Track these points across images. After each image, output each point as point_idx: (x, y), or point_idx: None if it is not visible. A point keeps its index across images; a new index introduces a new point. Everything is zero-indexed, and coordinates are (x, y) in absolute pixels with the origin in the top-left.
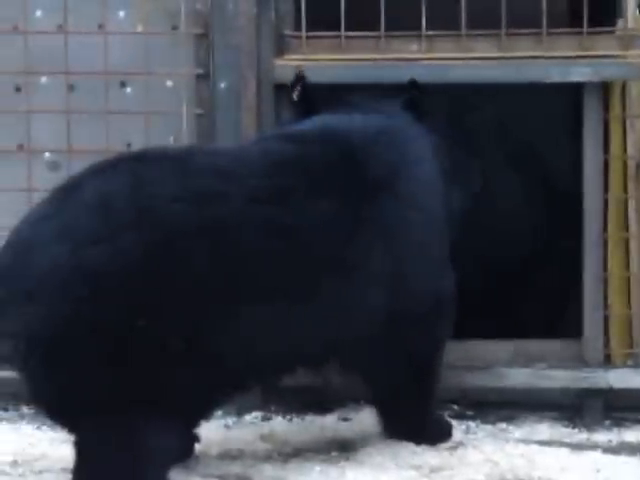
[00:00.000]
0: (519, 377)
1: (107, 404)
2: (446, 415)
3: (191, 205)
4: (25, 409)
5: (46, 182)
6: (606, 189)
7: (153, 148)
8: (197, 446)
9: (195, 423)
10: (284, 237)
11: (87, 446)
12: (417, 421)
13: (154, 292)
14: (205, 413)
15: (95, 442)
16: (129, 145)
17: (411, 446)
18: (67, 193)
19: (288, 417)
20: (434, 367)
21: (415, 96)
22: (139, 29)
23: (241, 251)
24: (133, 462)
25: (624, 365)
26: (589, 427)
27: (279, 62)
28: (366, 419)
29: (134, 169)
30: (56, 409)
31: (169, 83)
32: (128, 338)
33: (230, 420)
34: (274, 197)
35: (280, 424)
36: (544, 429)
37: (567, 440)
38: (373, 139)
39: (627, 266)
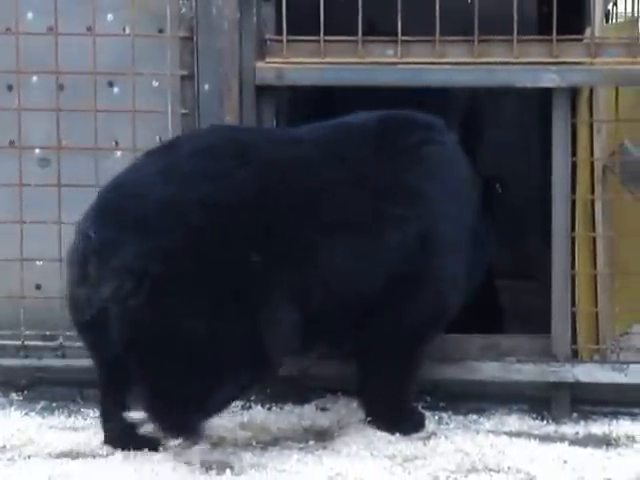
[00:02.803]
0: (490, 370)
1: (214, 338)
2: (419, 406)
3: (282, 148)
4: (14, 396)
5: (36, 178)
6: (574, 190)
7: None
8: None
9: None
10: (346, 170)
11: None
12: (392, 410)
13: (265, 226)
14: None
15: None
16: (116, 142)
17: (386, 436)
18: (166, 148)
19: (267, 406)
20: (411, 356)
21: None
22: (127, 31)
23: (317, 184)
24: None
25: (591, 360)
26: (557, 419)
27: (260, 65)
28: (343, 409)
29: (225, 129)
30: (154, 344)
31: (155, 83)
32: (242, 272)
33: None
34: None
35: (259, 413)
36: (513, 421)
37: (536, 432)
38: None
39: (594, 265)
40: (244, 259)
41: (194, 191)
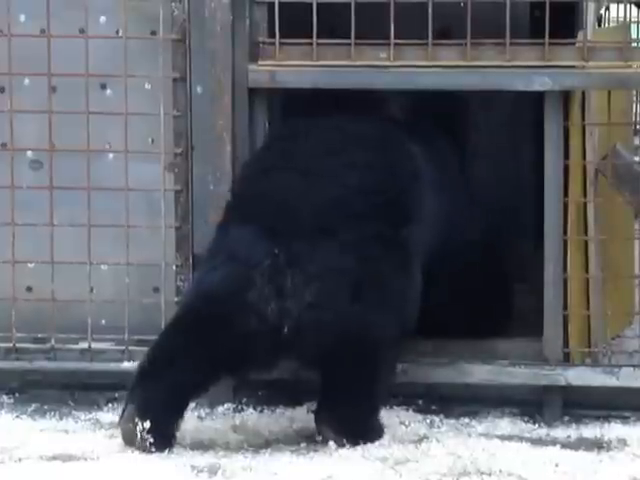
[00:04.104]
0: (482, 374)
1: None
2: (411, 409)
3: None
4: (5, 398)
5: (28, 180)
6: (566, 193)
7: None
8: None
9: None
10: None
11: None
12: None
13: (398, 193)
14: None
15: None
16: (109, 144)
17: (377, 439)
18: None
19: (259, 409)
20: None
21: None
22: (119, 34)
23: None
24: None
25: (583, 363)
26: (548, 423)
27: (253, 67)
28: None
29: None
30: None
31: (147, 86)
32: (406, 247)
33: (203, 411)
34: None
35: (251, 416)
36: (505, 424)
37: (527, 435)
38: None
39: (586, 268)
40: (407, 234)
41: (345, 183)
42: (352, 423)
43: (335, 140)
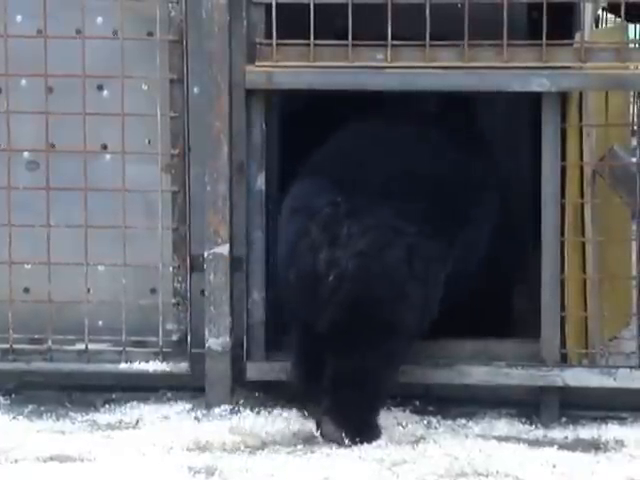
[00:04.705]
0: (479, 375)
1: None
2: (408, 411)
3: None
4: (2, 399)
5: (25, 181)
6: (563, 195)
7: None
8: (167, 437)
9: None
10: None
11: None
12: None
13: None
14: None
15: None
16: (105, 145)
17: (375, 439)
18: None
19: (256, 410)
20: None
21: None
22: (116, 35)
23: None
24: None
25: (580, 364)
26: (546, 424)
27: (250, 68)
28: None
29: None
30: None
31: (144, 87)
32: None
33: (200, 413)
34: None
35: (248, 417)
36: (502, 425)
37: (524, 436)
38: None
39: (583, 269)
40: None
41: (422, 165)
42: (353, 416)
43: (421, 139)
